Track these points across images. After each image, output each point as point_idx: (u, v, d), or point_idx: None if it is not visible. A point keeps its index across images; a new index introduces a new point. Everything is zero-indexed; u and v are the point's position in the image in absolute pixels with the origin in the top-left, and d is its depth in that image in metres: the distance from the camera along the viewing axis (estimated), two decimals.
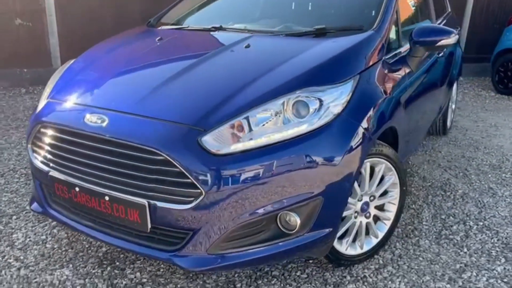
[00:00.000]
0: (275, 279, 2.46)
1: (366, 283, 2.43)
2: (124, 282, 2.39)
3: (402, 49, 2.88)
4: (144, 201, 1.99)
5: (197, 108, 2.05)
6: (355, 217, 2.49)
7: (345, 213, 2.45)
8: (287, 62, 2.31)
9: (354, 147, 2.16)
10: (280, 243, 2.10)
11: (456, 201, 3.41)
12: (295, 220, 2.08)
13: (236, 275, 2.48)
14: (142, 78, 2.36)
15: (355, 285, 2.42)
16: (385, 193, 2.63)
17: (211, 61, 2.40)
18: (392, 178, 2.59)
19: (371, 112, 2.29)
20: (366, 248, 2.59)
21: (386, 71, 2.58)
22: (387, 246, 2.78)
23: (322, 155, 2.08)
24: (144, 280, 2.41)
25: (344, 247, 2.48)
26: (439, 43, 2.79)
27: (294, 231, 2.09)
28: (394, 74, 2.67)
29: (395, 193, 2.64)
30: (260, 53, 2.49)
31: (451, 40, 2.82)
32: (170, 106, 2.08)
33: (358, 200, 2.47)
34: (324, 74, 2.25)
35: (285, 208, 2.04)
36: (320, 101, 2.13)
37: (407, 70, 2.82)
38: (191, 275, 2.44)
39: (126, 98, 2.17)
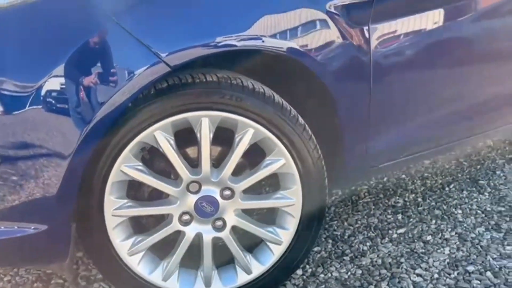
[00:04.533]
0: None
1: None
2: None
3: None
4: None
5: None
6: (184, 223, 1.30)
7: (156, 210, 1.30)
8: None
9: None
10: None
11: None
12: None
13: None
14: None
15: None
16: (275, 188, 1.36)
17: None
18: (281, 162, 1.29)
19: None
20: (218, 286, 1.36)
21: None
22: None
23: None
24: None
25: (159, 275, 1.32)
26: None
27: None
28: None
29: (292, 193, 1.33)
30: None
31: None
32: None
33: (190, 191, 1.28)
34: None
35: None
36: None
37: None
38: None
39: None
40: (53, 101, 1.09)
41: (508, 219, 1.92)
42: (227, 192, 1.29)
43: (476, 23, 1.60)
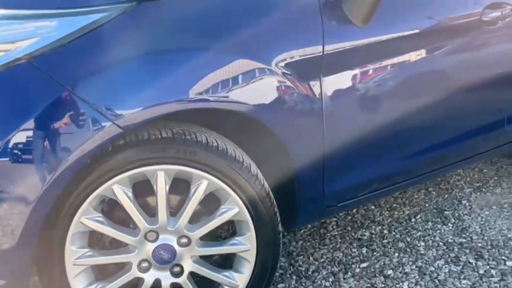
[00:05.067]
0: None
1: None
2: None
3: None
4: None
5: None
6: (143, 270, 1.37)
7: (116, 259, 1.37)
8: None
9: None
10: None
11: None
12: None
13: None
14: None
15: None
16: (230, 234, 1.43)
17: None
18: (234, 210, 1.37)
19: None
20: None
21: None
22: None
23: None
24: None
25: None
26: None
27: None
28: None
29: (247, 239, 1.40)
30: None
31: None
32: None
33: (148, 240, 1.35)
34: None
35: None
36: None
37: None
38: None
39: None
40: (17, 156, 1.17)
41: (467, 251, 1.99)
42: (184, 240, 1.37)
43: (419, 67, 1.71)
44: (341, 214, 2.34)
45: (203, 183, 1.32)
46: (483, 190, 2.60)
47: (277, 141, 1.41)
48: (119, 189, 1.28)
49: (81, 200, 1.26)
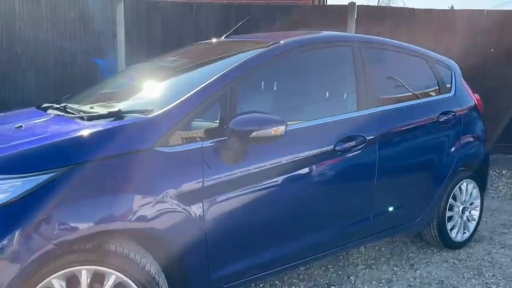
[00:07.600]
0: None
1: None
2: None
3: None
4: None
5: None
6: None
7: None
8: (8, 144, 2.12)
9: None
10: None
11: None
12: None
13: None
14: None
15: None
16: None
17: None
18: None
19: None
20: None
21: (150, 163, 2.14)
22: None
23: None
24: None
25: None
26: (254, 134, 2.24)
27: None
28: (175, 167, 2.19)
29: None
30: (16, 133, 2.34)
31: (269, 131, 2.25)
32: None
33: None
34: (14, 161, 1.98)
35: None
36: None
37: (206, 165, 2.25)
38: None
39: None
40: None
41: None
42: None
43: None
44: None
45: (112, 277, 2.02)
46: (373, 267, 3.26)
47: (171, 246, 2.14)
48: (56, 282, 1.97)
49: None
